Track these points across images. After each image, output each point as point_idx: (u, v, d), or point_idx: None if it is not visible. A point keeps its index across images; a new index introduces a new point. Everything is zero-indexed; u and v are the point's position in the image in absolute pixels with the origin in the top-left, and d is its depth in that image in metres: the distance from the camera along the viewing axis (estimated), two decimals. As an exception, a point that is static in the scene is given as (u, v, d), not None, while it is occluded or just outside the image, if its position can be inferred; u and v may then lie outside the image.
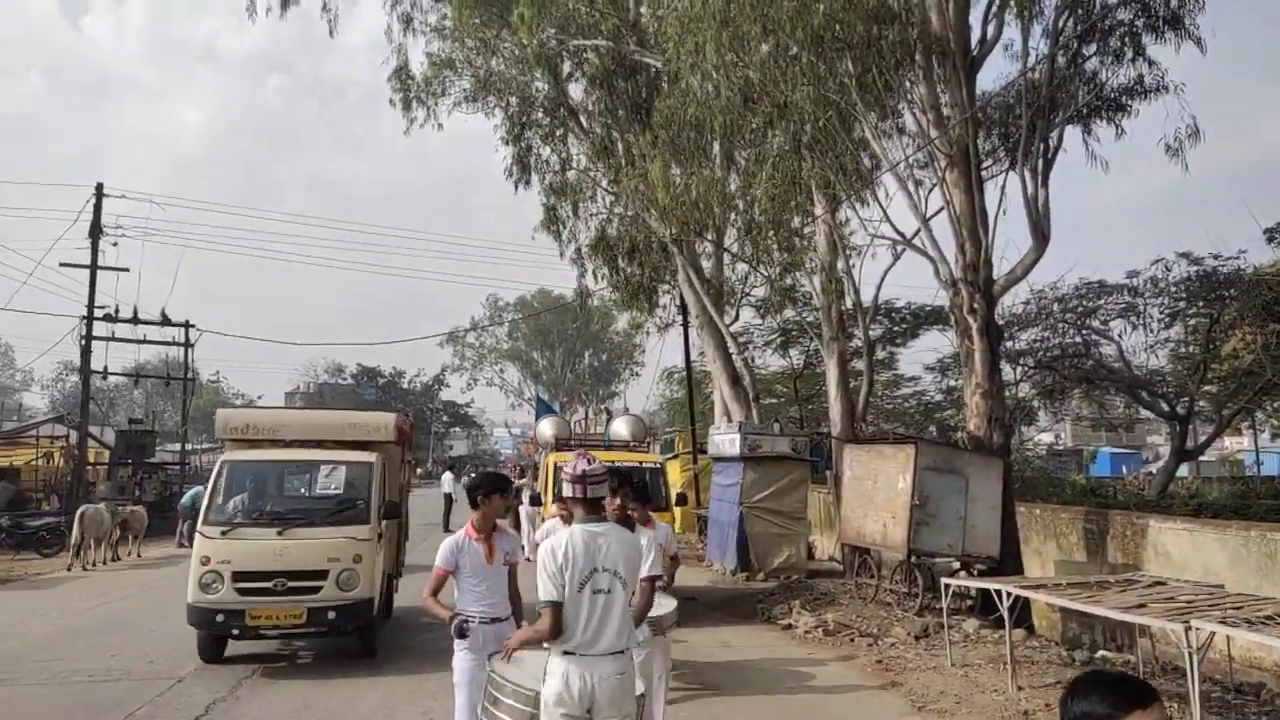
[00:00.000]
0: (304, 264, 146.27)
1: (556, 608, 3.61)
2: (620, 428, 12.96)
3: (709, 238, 17.10)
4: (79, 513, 16.68)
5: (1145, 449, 56.64)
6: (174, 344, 27.83)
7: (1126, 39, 11.81)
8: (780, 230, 15.80)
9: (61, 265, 25.05)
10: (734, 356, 18.39)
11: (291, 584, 7.96)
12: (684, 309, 22.05)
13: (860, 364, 17.66)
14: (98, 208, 25.16)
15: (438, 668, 7.13)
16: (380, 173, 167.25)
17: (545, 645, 3.74)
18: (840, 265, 15.15)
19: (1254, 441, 38.26)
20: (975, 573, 10.61)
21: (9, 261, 56.68)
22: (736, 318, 22.62)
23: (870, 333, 16.03)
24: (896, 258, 14.67)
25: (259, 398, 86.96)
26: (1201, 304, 21.64)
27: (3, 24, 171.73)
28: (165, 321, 26.77)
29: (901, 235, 12.76)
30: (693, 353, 22.96)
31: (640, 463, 11.04)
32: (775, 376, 28.82)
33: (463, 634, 4.71)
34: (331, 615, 8.00)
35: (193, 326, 27.91)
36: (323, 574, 8.04)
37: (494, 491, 5.04)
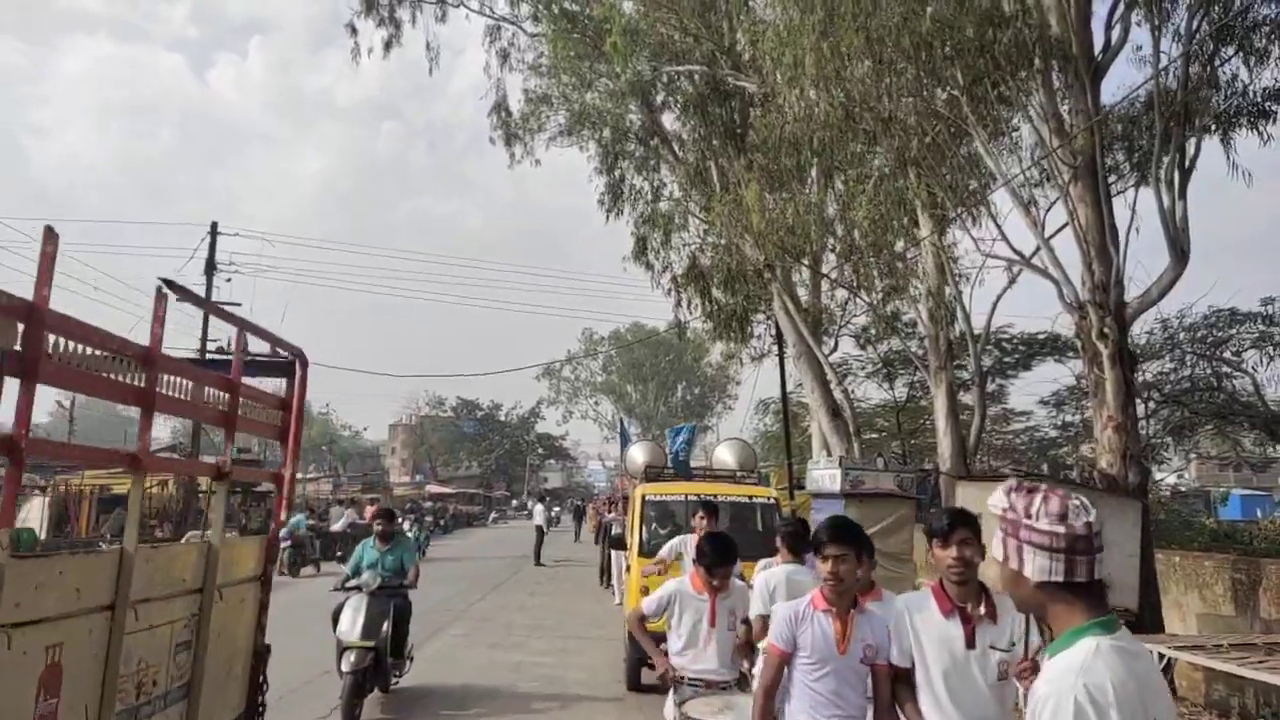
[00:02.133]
0: (406, 299, 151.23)
1: None
2: (725, 454, 11.91)
3: (805, 263, 16.45)
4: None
5: (1278, 490, 52.31)
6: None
7: (1274, 37, 10.75)
8: (881, 254, 15.04)
9: (178, 301, 26.09)
10: (833, 387, 17.56)
11: None
12: (779, 339, 21.34)
13: (969, 397, 16.63)
14: (212, 245, 26.33)
15: None
16: (482, 211, 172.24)
17: None
18: (948, 290, 14.28)
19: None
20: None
21: (130, 299, 60.18)
22: (835, 348, 21.80)
23: (981, 362, 15.03)
24: (1011, 281, 13.75)
25: (364, 429, 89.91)
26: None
27: (140, 84, 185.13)
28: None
29: (1020, 255, 11.89)
30: (789, 384, 22.19)
31: (750, 497, 9.03)
32: (876, 409, 27.68)
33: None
34: None
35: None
36: None
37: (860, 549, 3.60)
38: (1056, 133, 10.68)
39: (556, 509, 49.60)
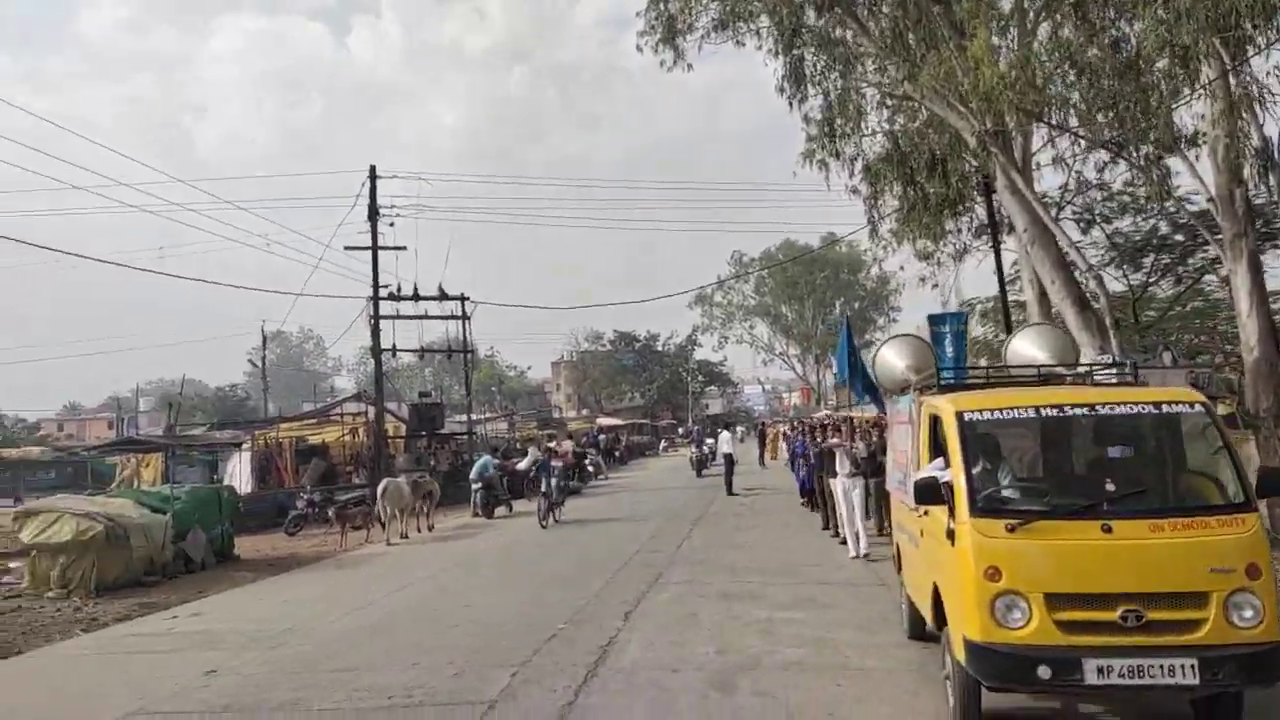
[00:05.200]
0: (559, 229, 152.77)
1: None
2: (1029, 346, 7.95)
3: (1050, 123, 13.59)
4: (381, 487, 16.64)
5: None
6: (452, 317, 28.31)
7: None
8: (1149, 98, 12.00)
9: (346, 249, 26.00)
10: (1080, 274, 14.79)
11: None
12: (993, 226, 18.52)
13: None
14: (373, 191, 25.79)
15: None
16: (616, 144, 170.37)
17: None
18: (1249, 129, 11.25)
19: None
20: None
21: (304, 249, 62.56)
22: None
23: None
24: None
25: (529, 369, 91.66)
26: None
27: (286, 55, 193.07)
28: (443, 296, 27.16)
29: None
30: (1008, 276, 19.31)
31: (1160, 405, 5.38)
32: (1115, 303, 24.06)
33: None
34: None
35: (468, 299, 28.22)
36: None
37: None
38: None
39: (740, 430, 48.33)
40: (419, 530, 17.68)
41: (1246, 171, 11.53)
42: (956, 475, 5.19)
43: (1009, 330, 19.55)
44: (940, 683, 6.05)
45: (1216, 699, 4.84)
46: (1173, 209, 18.17)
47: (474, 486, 20.61)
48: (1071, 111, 13.76)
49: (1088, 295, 14.59)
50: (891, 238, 19.11)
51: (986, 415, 5.49)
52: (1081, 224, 21.74)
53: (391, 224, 25.90)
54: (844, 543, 12.41)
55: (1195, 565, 4.66)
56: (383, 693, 6.66)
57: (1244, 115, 11.24)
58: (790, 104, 16.95)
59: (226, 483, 20.05)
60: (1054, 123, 13.62)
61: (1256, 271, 11.64)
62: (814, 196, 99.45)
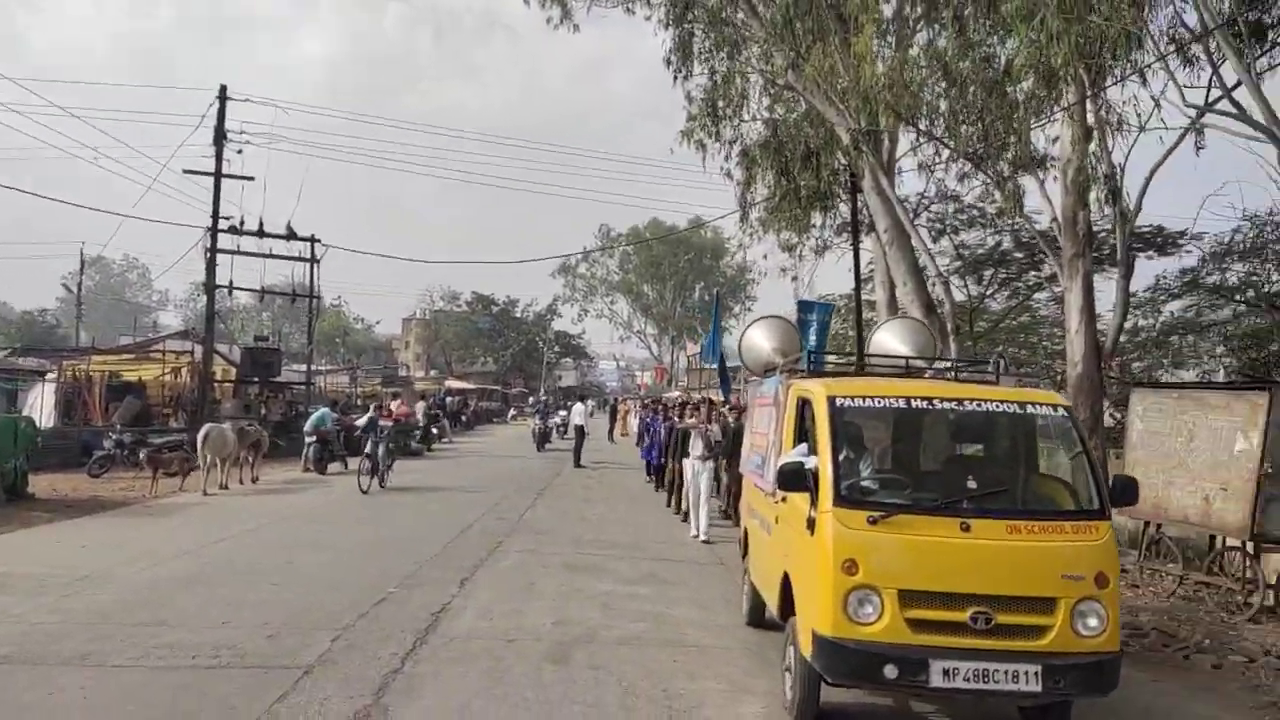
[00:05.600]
0: (424, 181, 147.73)
1: None
2: (891, 339, 8.02)
3: (922, 128, 14.02)
4: (203, 432, 15.37)
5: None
6: (300, 259, 26.58)
7: None
8: (1014, 115, 12.55)
9: (185, 172, 23.95)
10: (931, 280, 15.41)
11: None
12: (855, 225, 19.07)
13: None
14: (221, 113, 23.82)
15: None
16: (493, 100, 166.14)
17: None
18: (1093, 154, 11.96)
19: None
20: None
21: (138, 166, 57.38)
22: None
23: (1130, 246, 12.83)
24: (1180, 140, 11.32)
25: (377, 323, 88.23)
26: None
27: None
28: (291, 235, 25.44)
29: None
30: (865, 276, 19.95)
31: (1024, 406, 5.31)
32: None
33: None
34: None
35: (318, 241, 26.58)
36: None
37: None
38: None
39: (592, 404, 47.86)
40: (242, 482, 16.51)
41: (1093, 195, 12.27)
42: (823, 462, 4.95)
43: (860, 328, 20.33)
44: (775, 664, 6.06)
45: (1048, 706, 4.84)
46: (1016, 226, 19.28)
47: (307, 440, 19.50)
48: (940, 120, 14.24)
49: (934, 300, 15.23)
50: (759, 226, 19.38)
51: (858, 402, 5.30)
52: (933, 232, 22.77)
53: (240, 151, 24.01)
54: (686, 519, 12.45)
55: (1048, 571, 4.59)
56: (187, 651, 6.03)
57: (1097, 142, 11.93)
58: (675, 78, 16.78)
59: (25, 414, 18.04)
60: (924, 128, 14.05)
61: (1088, 291, 12.41)
62: (688, 176, 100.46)
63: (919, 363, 7.19)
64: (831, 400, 5.24)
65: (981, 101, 12.93)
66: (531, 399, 65.55)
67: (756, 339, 8.91)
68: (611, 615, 7.53)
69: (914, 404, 5.38)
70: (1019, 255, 21.53)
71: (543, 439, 27.46)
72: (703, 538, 11.40)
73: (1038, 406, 5.35)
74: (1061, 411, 5.30)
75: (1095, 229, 13.65)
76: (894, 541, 4.62)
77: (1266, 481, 7.59)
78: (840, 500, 4.77)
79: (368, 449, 16.22)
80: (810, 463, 5.04)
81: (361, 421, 20.19)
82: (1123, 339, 23.10)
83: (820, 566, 4.73)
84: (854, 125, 14.19)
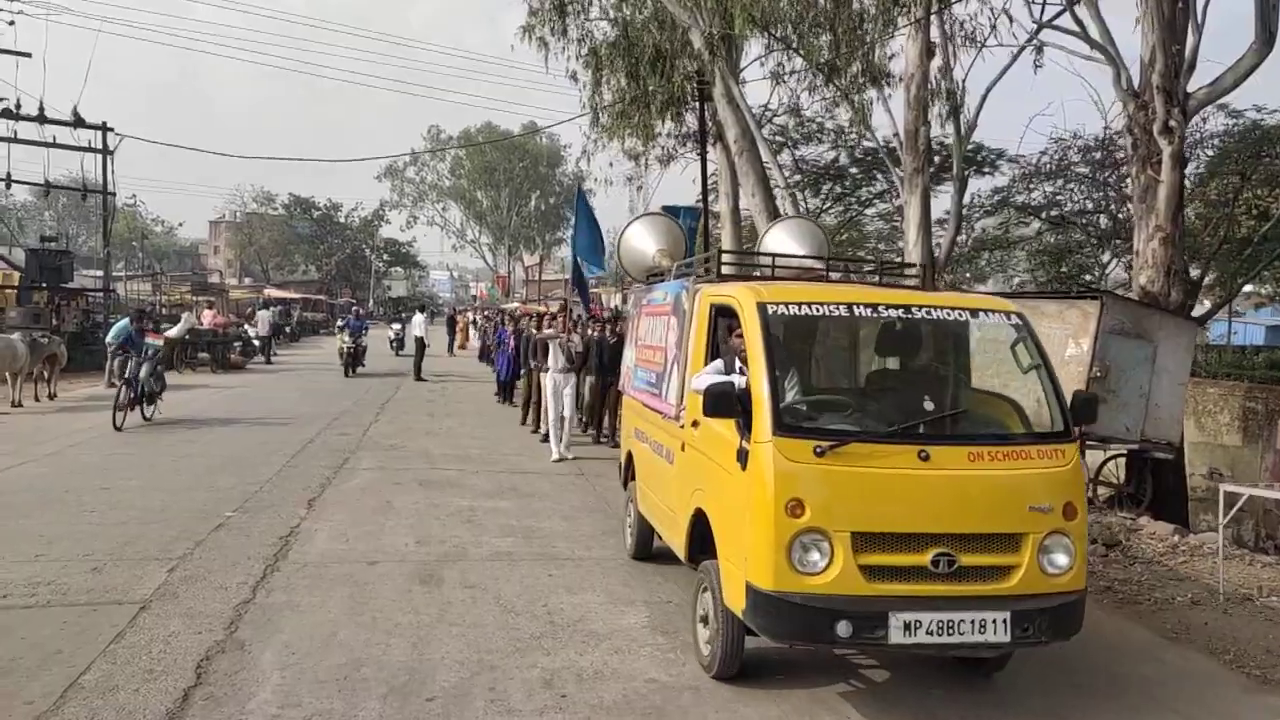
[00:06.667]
0: (233, 67, 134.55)
1: None
2: (788, 239, 7.13)
3: (776, 34, 13.90)
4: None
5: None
6: (89, 149, 23.54)
7: None
8: (861, 24, 12.69)
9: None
10: (778, 192, 15.59)
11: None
12: (703, 133, 18.99)
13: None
14: (-17, -27, 20.38)
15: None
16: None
17: None
18: (937, 70, 12.30)
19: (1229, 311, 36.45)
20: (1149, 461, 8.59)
21: None
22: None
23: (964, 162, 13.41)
24: (1015, 58, 11.80)
25: (179, 224, 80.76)
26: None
27: None
28: (78, 122, 22.46)
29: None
30: (713, 187, 20.03)
31: (955, 310, 4.62)
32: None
33: None
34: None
35: (111, 130, 23.61)
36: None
37: None
38: None
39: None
40: (37, 400, 14.79)
41: (934, 111, 12.68)
42: (757, 382, 4.14)
43: (707, 240, 20.49)
44: (650, 575, 6.05)
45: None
46: (853, 142, 19.82)
47: (110, 352, 17.61)
48: (792, 29, 14.19)
49: (781, 213, 15.46)
50: (604, 133, 18.89)
51: (794, 310, 4.48)
52: (774, 146, 23.09)
53: (12, 22, 20.74)
54: (545, 440, 11.54)
55: (1014, 503, 4.01)
56: (-8, 593, 5.28)
57: (941, 59, 12.26)
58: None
59: None
60: (778, 35, 13.97)
61: (926, 205, 12.94)
62: (525, 76, 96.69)
63: (833, 265, 6.02)
64: (763, 308, 4.39)
65: (832, 11, 12.96)
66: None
67: (637, 239, 7.92)
68: (477, 531, 7.27)
69: (857, 311, 4.55)
70: (855, 171, 22.25)
71: (353, 361, 21.74)
72: (565, 454, 10.79)
73: (991, 314, 4.59)
74: (1015, 319, 4.57)
75: (936, 144, 14.18)
76: (845, 476, 3.91)
77: (1095, 385, 8.23)
78: (781, 428, 3.99)
79: (126, 372, 12.74)
80: (739, 383, 4.39)
81: (174, 333, 18.06)
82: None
83: (757, 508, 3.98)
84: (707, 28, 13.90)
